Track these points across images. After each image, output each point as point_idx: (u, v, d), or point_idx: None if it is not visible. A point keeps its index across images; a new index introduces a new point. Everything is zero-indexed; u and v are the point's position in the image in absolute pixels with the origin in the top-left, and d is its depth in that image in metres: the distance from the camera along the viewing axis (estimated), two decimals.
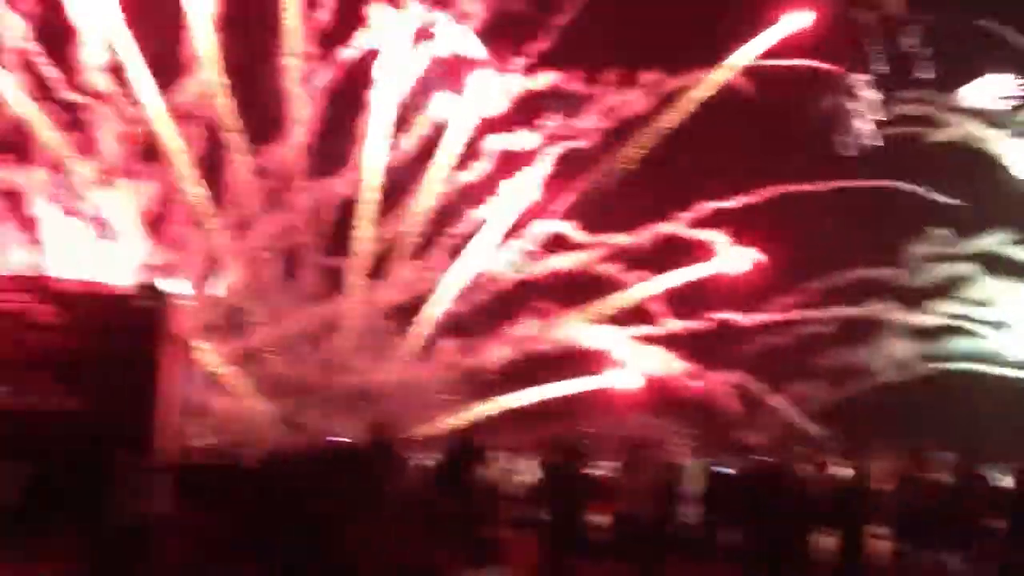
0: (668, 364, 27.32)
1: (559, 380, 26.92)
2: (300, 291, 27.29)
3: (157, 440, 15.35)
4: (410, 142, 28.63)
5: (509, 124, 28.85)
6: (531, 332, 27.24)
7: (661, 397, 27.12)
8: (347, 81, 28.75)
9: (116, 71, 26.70)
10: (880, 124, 29.45)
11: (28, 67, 26.11)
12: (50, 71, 26.24)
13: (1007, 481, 16.13)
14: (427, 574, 12.93)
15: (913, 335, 28.69)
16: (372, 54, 28.64)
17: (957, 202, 28.62)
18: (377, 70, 28.56)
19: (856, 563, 15.75)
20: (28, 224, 25.64)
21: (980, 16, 28.28)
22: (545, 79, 28.89)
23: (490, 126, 28.84)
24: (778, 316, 28.42)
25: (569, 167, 28.99)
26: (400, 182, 28.48)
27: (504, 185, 28.57)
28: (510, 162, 28.78)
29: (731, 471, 17.17)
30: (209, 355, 24.30)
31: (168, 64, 27.10)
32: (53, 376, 15.07)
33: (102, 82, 26.51)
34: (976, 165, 28.96)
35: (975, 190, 28.44)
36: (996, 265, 28.91)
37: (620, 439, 17.42)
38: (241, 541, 13.20)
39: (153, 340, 15.60)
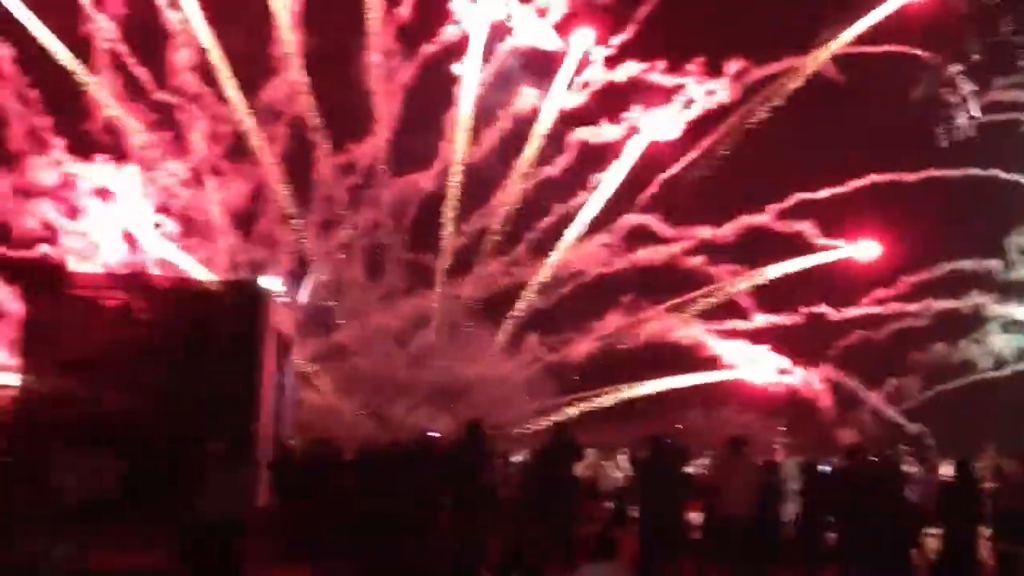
0: (760, 359, 26.84)
1: (648, 376, 26.63)
2: (385, 287, 27.38)
3: (254, 434, 15.50)
4: (494, 137, 28.59)
5: (593, 117, 28.68)
6: (618, 327, 26.97)
7: (756, 393, 26.68)
8: (430, 77, 28.87)
9: (205, 71, 27.09)
10: (978, 112, 28.52)
11: (119, 68, 26.57)
12: (141, 72, 26.64)
13: None
14: (522, 568, 12.80)
15: (1013, 329, 27.77)
16: (455, 49, 28.68)
17: None
18: (460, 65, 28.58)
19: (959, 565, 15.25)
20: (122, 222, 26.07)
21: None
22: (628, 70, 28.55)
23: (574, 119, 28.69)
24: (873, 310, 27.78)
25: (655, 158, 28.70)
26: (484, 177, 28.49)
27: (589, 179, 28.42)
28: (594, 155, 28.64)
29: (830, 469, 16.72)
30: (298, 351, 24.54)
31: (255, 64, 27.45)
32: (150, 371, 15.28)
33: (192, 82, 26.92)
34: None
35: None
36: None
37: (716, 436, 17.06)
38: (337, 533, 13.25)
39: (251, 336, 15.73)
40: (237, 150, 27.54)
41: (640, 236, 28.05)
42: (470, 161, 28.51)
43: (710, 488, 16.12)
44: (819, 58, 28.31)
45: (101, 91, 26.34)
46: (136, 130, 26.68)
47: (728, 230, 27.78)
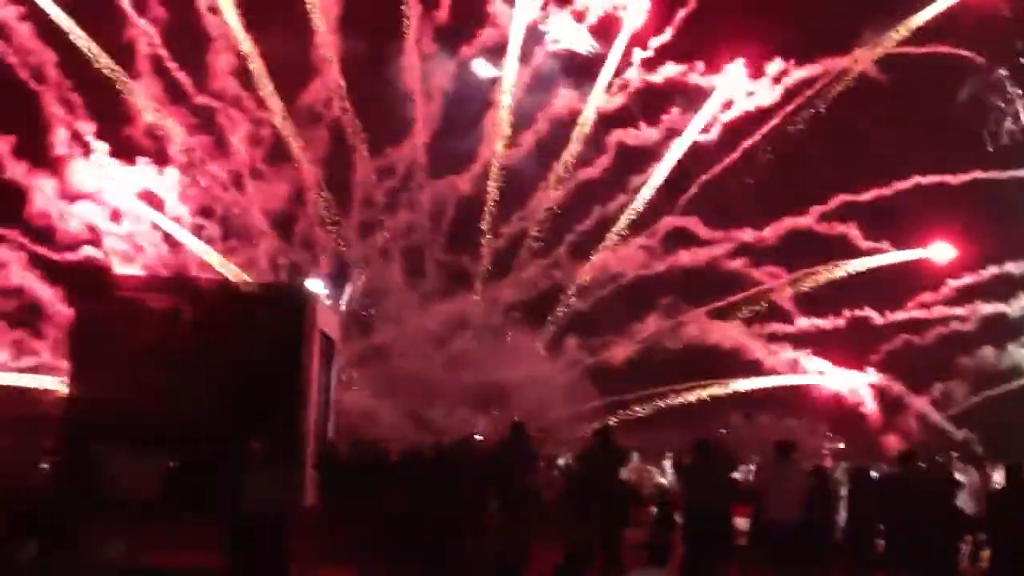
0: (804, 363, 26.58)
1: (689, 380, 26.43)
2: (424, 290, 27.39)
3: (299, 435, 15.54)
4: (532, 139, 28.53)
5: (631, 120, 28.56)
6: (658, 329, 26.81)
7: (802, 399, 26.40)
8: (469, 79, 28.88)
9: (245, 75, 27.24)
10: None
11: (161, 72, 26.77)
12: (182, 76, 26.83)
13: None
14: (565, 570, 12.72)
15: None
16: (493, 52, 28.68)
17: None
18: (498, 68, 28.58)
19: (1010, 574, 14.96)
20: (163, 225, 26.24)
21: None
22: (667, 72, 28.41)
23: (613, 121, 28.58)
24: (918, 314, 27.40)
25: (694, 161, 28.54)
26: (523, 179, 28.43)
27: (628, 181, 28.30)
28: (633, 158, 28.50)
29: (878, 475, 16.48)
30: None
31: (294, 67, 27.56)
32: (196, 372, 15.34)
33: (232, 86, 27.07)
34: None
35: None
36: None
37: (758, 441, 16.88)
38: (383, 534, 13.24)
39: (297, 339, 15.77)
40: (277, 154, 27.72)
41: (680, 238, 27.81)
42: (508, 163, 28.44)
43: (757, 493, 15.94)
44: (865, 58, 28.00)
45: (142, 95, 26.51)
46: (177, 134, 26.83)
47: (769, 232, 27.50)
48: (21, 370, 24.00)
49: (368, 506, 13.23)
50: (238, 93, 27.26)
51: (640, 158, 28.45)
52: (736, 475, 16.56)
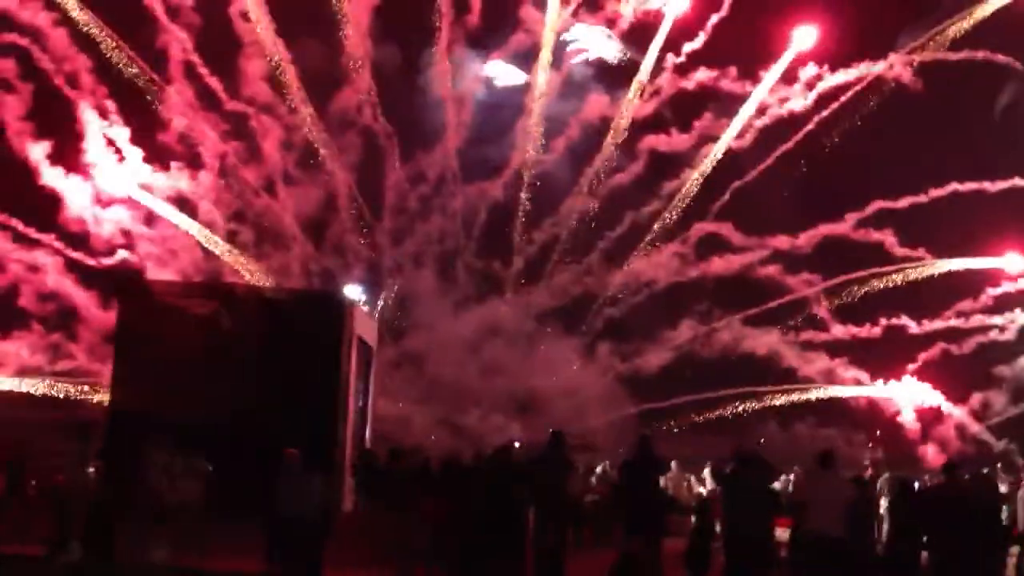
0: (840, 372, 26.34)
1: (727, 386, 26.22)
2: (457, 296, 27.36)
3: (337, 441, 15.53)
4: (564, 145, 28.46)
5: (664, 125, 28.45)
6: (690, 336, 26.67)
7: (839, 408, 26.16)
8: (500, 85, 28.85)
9: (277, 82, 27.31)
10: None
11: (193, 79, 26.86)
12: (215, 82, 26.91)
13: None
14: None
15: None
16: (525, 58, 28.66)
17: None
18: (529, 74, 28.54)
19: None
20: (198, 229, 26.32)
21: None
22: (699, 78, 28.28)
23: (645, 127, 28.47)
24: (956, 323, 27.09)
25: (727, 168, 28.39)
26: (555, 186, 28.37)
27: (660, 187, 28.18)
28: (666, 163, 28.41)
29: (921, 485, 16.26)
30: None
31: (326, 74, 27.64)
32: (236, 377, 15.36)
33: (265, 92, 27.14)
34: None
35: None
36: None
37: (802, 450, 16.71)
38: (423, 541, 13.22)
39: (335, 346, 15.77)
40: (309, 159, 27.76)
41: (714, 245, 27.67)
42: (540, 169, 28.39)
43: (798, 504, 15.76)
44: (902, 64, 27.80)
45: (175, 101, 26.61)
46: (210, 139, 26.92)
47: (804, 239, 27.28)
48: (57, 374, 24.15)
49: (408, 514, 13.20)
50: (270, 99, 27.31)
51: (673, 164, 28.36)
52: (776, 485, 16.39)
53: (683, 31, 28.42)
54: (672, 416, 25.75)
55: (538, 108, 28.47)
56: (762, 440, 23.73)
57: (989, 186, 26.84)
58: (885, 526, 15.68)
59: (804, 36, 28.12)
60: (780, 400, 26.25)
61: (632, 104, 28.66)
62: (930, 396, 26.77)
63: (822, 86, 27.99)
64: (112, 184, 25.49)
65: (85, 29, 26.04)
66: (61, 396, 23.63)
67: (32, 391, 24.09)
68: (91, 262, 24.76)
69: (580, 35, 28.43)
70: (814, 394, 26.54)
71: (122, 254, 24.90)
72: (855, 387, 26.77)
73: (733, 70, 28.35)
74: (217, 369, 15.19)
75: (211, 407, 14.67)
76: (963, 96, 27.05)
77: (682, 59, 28.47)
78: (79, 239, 24.89)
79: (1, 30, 24.80)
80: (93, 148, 25.46)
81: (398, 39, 28.15)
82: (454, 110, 28.39)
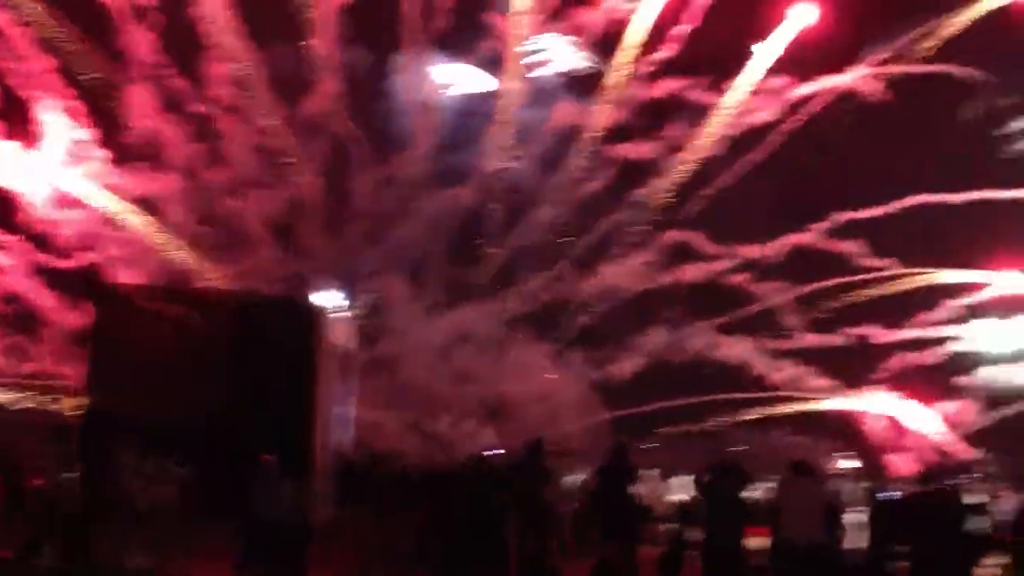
0: (810, 381, 26.54)
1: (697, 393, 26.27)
2: (428, 301, 27.15)
3: (311, 447, 15.36)
4: (534, 152, 28.39)
5: (635, 133, 28.45)
6: (661, 343, 26.70)
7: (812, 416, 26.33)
8: (470, 92, 28.75)
9: (245, 83, 26.99)
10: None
11: (158, 80, 26.46)
12: (179, 83, 26.55)
13: None
14: None
15: None
16: (494, 64, 28.58)
17: None
18: (500, 80, 28.47)
19: None
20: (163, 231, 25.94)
21: None
22: (668, 87, 28.34)
23: (617, 135, 28.45)
24: (924, 332, 27.40)
25: (696, 176, 28.46)
26: (526, 192, 28.26)
27: (630, 195, 28.19)
28: (636, 171, 28.39)
29: (895, 496, 16.36)
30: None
31: (295, 77, 27.36)
32: (209, 382, 15.15)
33: (230, 94, 26.82)
34: None
35: None
36: None
37: (779, 461, 16.74)
38: (402, 546, 13.13)
39: (307, 352, 15.60)
40: (278, 163, 27.44)
41: (685, 253, 27.72)
42: (511, 176, 28.28)
43: (774, 512, 15.81)
44: (868, 76, 28.07)
45: (141, 102, 26.21)
46: (176, 142, 26.55)
47: (773, 248, 27.46)
48: (22, 376, 23.66)
49: (386, 519, 13.09)
50: (238, 102, 26.99)
51: (643, 172, 28.35)
52: (756, 494, 16.43)
53: (653, 39, 28.41)
54: (646, 423, 25.74)
55: (507, 115, 28.35)
56: (741, 447, 23.78)
57: (955, 197, 27.12)
58: (861, 534, 15.74)
59: (767, 50, 28.25)
60: (754, 409, 26.36)
61: (601, 112, 28.59)
62: (899, 405, 27.05)
63: (792, 96, 28.11)
64: (75, 186, 25.03)
65: (47, 29, 25.56)
66: (32, 402, 23.15)
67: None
68: (58, 264, 24.30)
69: (547, 45, 28.35)
70: (793, 406, 26.69)
71: (87, 256, 24.47)
72: (824, 396, 26.96)
73: (703, 80, 28.37)
74: (190, 373, 14.98)
75: (184, 411, 14.47)
76: (931, 108, 27.33)
77: (652, 67, 28.42)
78: (43, 241, 24.44)
79: None
80: (56, 149, 24.99)
81: (367, 43, 27.90)
82: (423, 115, 28.20)
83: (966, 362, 27.71)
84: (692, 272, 27.47)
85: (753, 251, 27.49)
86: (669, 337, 26.98)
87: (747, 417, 26.38)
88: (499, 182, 28.29)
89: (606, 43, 28.62)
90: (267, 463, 12.66)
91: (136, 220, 25.53)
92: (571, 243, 27.87)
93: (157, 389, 14.67)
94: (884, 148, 27.00)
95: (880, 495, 16.48)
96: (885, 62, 27.95)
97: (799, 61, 28.27)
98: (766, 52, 28.17)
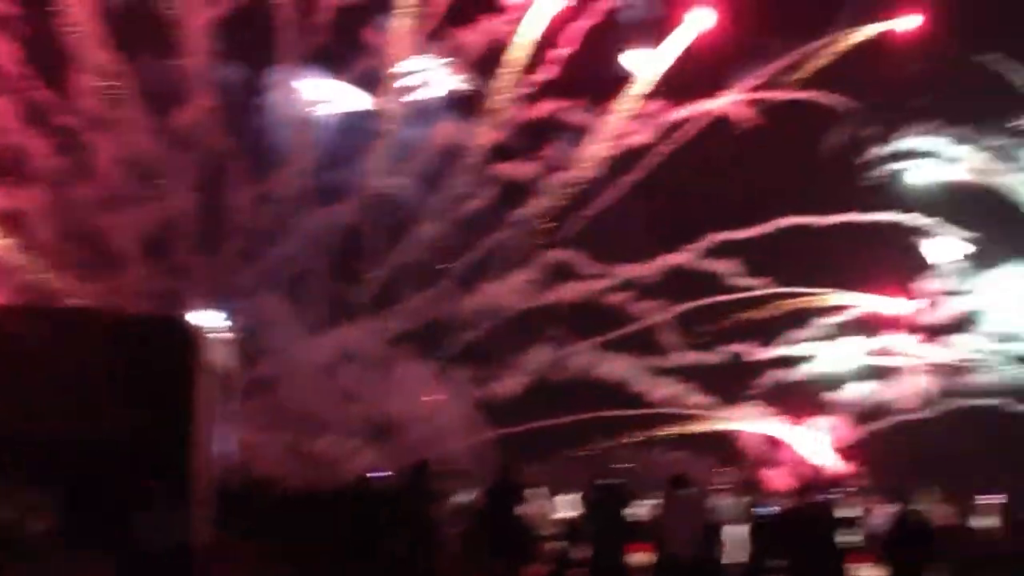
0: (688, 398, 27.10)
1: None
2: (309, 320, 26.69)
3: (188, 471, 14.86)
4: (415, 169, 28.28)
5: (514, 153, 28.64)
6: (544, 361, 26.86)
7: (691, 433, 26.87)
8: (351, 108, 28.50)
9: (115, 96, 26.19)
10: (890, 158, 29.47)
11: (23, 92, 25.48)
12: (45, 95, 25.63)
13: None
14: None
15: (936, 370, 28.56)
16: (375, 80, 28.40)
17: (971, 235, 28.62)
18: (379, 98, 28.30)
19: None
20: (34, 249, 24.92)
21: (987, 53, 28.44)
22: (548, 108, 28.64)
23: (497, 155, 28.58)
24: (795, 350, 28.35)
25: (574, 196, 28.80)
26: (407, 210, 28.11)
27: (511, 214, 28.35)
28: (516, 191, 28.58)
29: (773, 511, 16.77)
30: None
31: (168, 89, 26.68)
32: (83, 403, 14.51)
33: (99, 107, 25.99)
34: (989, 199, 28.95)
35: (988, 224, 28.41)
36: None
37: (660, 477, 17.04)
38: (285, 570, 12.85)
39: (181, 370, 15.07)
40: (150, 177, 26.65)
41: (566, 272, 27.99)
42: (392, 193, 28.09)
43: (656, 529, 16.05)
44: (734, 100, 28.89)
45: (2, 115, 25.16)
46: (41, 155, 25.55)
47: (652, 268, 27.98)
48: None
49: (268, 543, 12.78)
50: (108, 114, 26.17)
51: (524, 192, 28.57)
52: (642, 510, 16.65)
53: (534, 61, 28.68)
54: (533, 441, 25.81)
55: (387, 133, 28.21)
56: (625, 465, 24.10)
57: (822, 220, 28.13)
58: (741, 549, 16.09)
59: (655, 61, 28.84)
60: (636, 426, 26.77)
61: (483, 131, 28.70)
62: (772, 421, 27.88)
63: (668, 119, 28.73)
64: None
65: None
66: None
67: None
68: None
69: (425, 65, 28.35)
70: (676, 424, 27.16)
71: None
72: (703, 412, 27.56)
73: (582, 101, 28.76)
74: (61, 397, 14.30)
75: (56, 437, 13.79)
76: (802, 133, 28.32)
77: (532, 88, 28.69)
78: None
79: None
80: None
81: (243, 57, 27.40)
82: (300, 131, 27.84)
83: (835, 379, 28.78)
84: (573, 291, 27.79)
85: (632, 271, 27.95)
86: (552, 355, 27.21)
87: (630, 435, 26.82)
88: (380, 200, 27.97)
89: (487, 63, 28.70)
90: (147, 489, 12.25)
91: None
92: (453, 261, 27.76)
93: (26, 415, 13.96)
94: (758, 171, 27.85)
95: (759, 510, 16.83)
96: (757, 88, 28.76)
97: (675, 86, 28.90)
98: (652, 66, 28.60)
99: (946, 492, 18.13)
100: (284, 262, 27.16)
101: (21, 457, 12.48)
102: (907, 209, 28.70)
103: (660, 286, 28.16)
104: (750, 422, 27.82)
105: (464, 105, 28.86)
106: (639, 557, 16.25)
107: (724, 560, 16.33)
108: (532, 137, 28.85)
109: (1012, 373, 28.29)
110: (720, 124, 28.95)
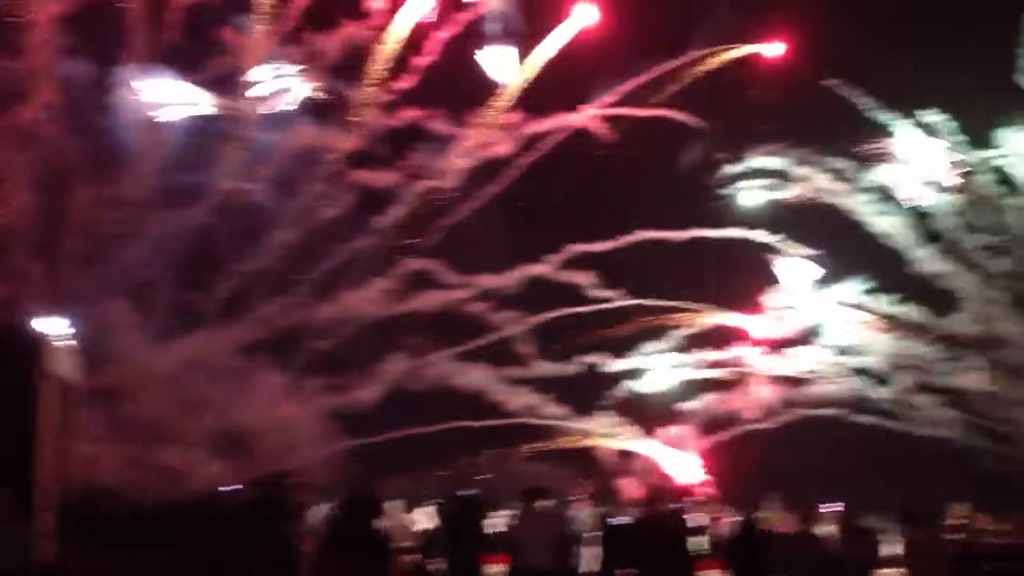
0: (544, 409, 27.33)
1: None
2: (156, 328, 25.74)
3: (29, 486, 14.17)
4: (271, 175, 27.68)
5: (374, 161, 28.40)
6: (401, 370, 26.66)
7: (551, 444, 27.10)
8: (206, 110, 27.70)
9: None
10: (736, 177, 30.45)
11: None
12: None
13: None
14: None
15: (780, 382, 29.61)
16: (230, 81, 27.70)
17: (814, 252, 29.82)
18: (233, 100, 27.62)
19: None
20: None
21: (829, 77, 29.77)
22: (408, 116, 28.52)
23: (355, 162, 28.26)
24: (647, 362, 28.98)
25: (434, 206, 28.74)
26: (262, 216, 27.46)
27: (369, 221, 28.05)
28: (375, 199, 28.32)
29: (626, 520, 17.05)
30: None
31: (7, 85, 25.40)
32: None
33: None
34: (833, 219, 30.25)
35: (830, 242, 29.69)
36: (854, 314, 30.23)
37: (516, 488, 17.12)
38: None
39: (22, 381, 14.37)
40: None
41: (425, 281, 27.89)
42: (246, 199, 27.41)
43: (510, 541, 16.11)
44: (589, 115, 29.37)
45: None
46: None
47: (510, 279, 28.18)
48: None
49: (112, 557, 12.27)
50: None
51: (383, 200, 28.33)
52: (498, 521, 16.69)
53: (395, 69, 28.51)
54: (390, 452, 25.57)
55: (241, 136, 27.53)
56: (483, 476, 24.11)
57: (676, 235, 28.88)
58: (588, 559, 16.34)
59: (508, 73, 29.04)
60: (494, 437, 26.84)
61: (341, 137, 28.34)
62: (624, 432, 28.43)
63: (529, 132, 28.98)
64: None
65: None
66: None
67: None
68: None
69: (282, 71, 27.83)
70: (544, 439, 27.34)
71: None
72: (556, 423, 27.87)
73: (443, 111, 28.74)
74: None
75: None
76: (659, 150, 29.04)
77: (393, 96, 28.52)
78: None
79: None
80: None
81: (90, 54, 26.32)
82: (150, 132, 26.90)
83: (684, 390, 29.57)
84: (431, 300, 27.71)
85: (491, 281, 28.07)
86: (409, 365, 27.04)
87: (489, 446, 26.91)
88: (232, 205, 27.24)
89: (347, 69, 28.37)
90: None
91: None
92: (309, 269, 27.26)
93: None
94: (617, 186, 28.41)
95: (612, 520, 17.10)
96: (616, 104, 29.31)
97: (537, 99, 29.20)
98: (515, 77, 28.72)
99: (789, 500, 18.81)
100: (130, 267, 26.12)
101: None
102: (755, 227, 29.66)
103: (519, 297, 28.37)
104: (604, 433, 28.25)
105: (323, 110, 28.44)
106: (494, 569, 16.28)
107: (579, 570, 16.51)
108: (393, 145, 28.65)
109: (849, 385, 29.62)
110: (581, 138, 29.32)
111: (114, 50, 26.62)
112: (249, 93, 27.51)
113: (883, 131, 30.58)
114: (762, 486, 21.51)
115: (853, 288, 29.88)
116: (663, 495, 17.66)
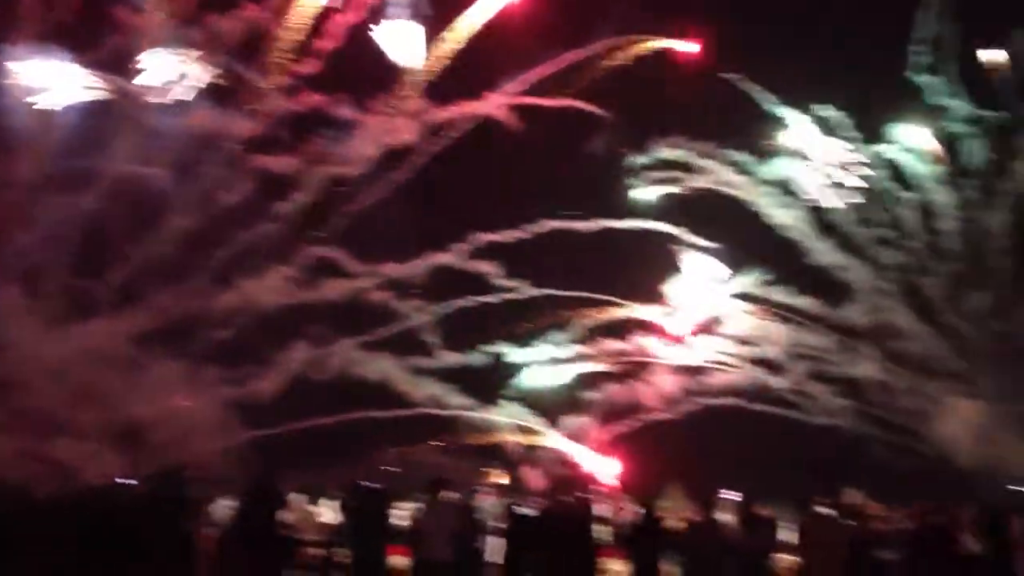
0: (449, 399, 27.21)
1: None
2: (46, 316, 24.78)
3: None
4: (167, 159, 26.90)
5: (275, 146, 27.84)
6: (303, 360, 26.21)
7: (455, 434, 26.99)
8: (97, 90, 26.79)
9: None
10: (640, 169, 30.75)
11: None
12: None
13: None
14: None
15: (679, 371, 30.00)
16: (127, 61, 26.85)
17: (714, 245, 30.28)
18: (128, 82, 26.79)
19: None
20: None
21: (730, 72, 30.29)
22: (311, 102, 28.03)
23: (255, 147, 27.65)
24: (552, 352, 29.08)
25: (337, 193, 28.32)
26: (157, 201, 26.66)
27: (270, 208, 27.48)
28: (276, 185, 27.75)
29: (531, 511, 17.09)
30: None
31: None
32: None
33: None
34: (734, 210, 30.76)
35: (731, 233, 30.19)
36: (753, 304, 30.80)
37: (420, 480, 17.03)
38: None
39: None
40: None
41: (327, 269, 27.45)
42: (140, 183, 26.57)
43: (415, 531, 16.12)
44: (494, 104, 29.28)
45: None
46: None
47: (414, 267, 27.95)
48: None
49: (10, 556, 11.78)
50: None
51: (284, 186, 27.78)
52: (404, 513, 16.64)
53: (297, 53, 28.00)
54: (293, 444, 25.14)
55: (136, 118, 26.71)
56: (389, 468, 23.93)
57: (581, 225, 29.03)
58: (493, 549, 16.40)
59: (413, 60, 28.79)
60: (401, 428, 26.62)
61: (241, 122, 27.71)
62: (530, 422, 28.53)
63: (434, 119, 28.75)
64: None
65: None
66: None
67: None
68: None
69: (179, 51, 27.08)
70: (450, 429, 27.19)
71: None
72: (461, 413, 27.80)
73: (346, 96, 28.33)
74: None
75: None
76: (568, 140, 29.13)
77: (295, 81, 28.01)
78: None
79: None
80: None
81: None
82: (38, 115, 25.92)
83: (588, 379, 29.79)
84: (334, 288, 27.29)
85: (395, 269, 27.80)
86: (311, 354, 26.60)
87: (395, 437, 26.69)
88: (128, 189, 26.39)
89: (247, 52, 27.76)
90: None
91: None
92: (207, 256, 26.56)
93: None
94: (525, 175, 28.43)
95: (517, 510, 17.16)
96: (523, 93, 29.27)
97: (443, 87, 29.00)
98: (420, 64, 28.44)
99: (690, 490, 19.10)
100: (21, 253, 25.13)
101: None
102: (658, 218, 30.00)
103: (424, 286, 28.17)
104: (508, 423, 28.29)
105: (221, 94, 27.75)
106: (398, 560, 16.23)
107: (484, 560, 16.55)
108: (295, 131, 28.13)
109: (748, 374, 30.20)
110: (488, 126, 29.21)
111: (2, 29, 25.51)
112: (145, 76, 26.61)
113: (781, 125, 31.29)
114: (663, 476, 21.82)
115: (752, 279, 30.46)
116: (567, 485, 17.81)
